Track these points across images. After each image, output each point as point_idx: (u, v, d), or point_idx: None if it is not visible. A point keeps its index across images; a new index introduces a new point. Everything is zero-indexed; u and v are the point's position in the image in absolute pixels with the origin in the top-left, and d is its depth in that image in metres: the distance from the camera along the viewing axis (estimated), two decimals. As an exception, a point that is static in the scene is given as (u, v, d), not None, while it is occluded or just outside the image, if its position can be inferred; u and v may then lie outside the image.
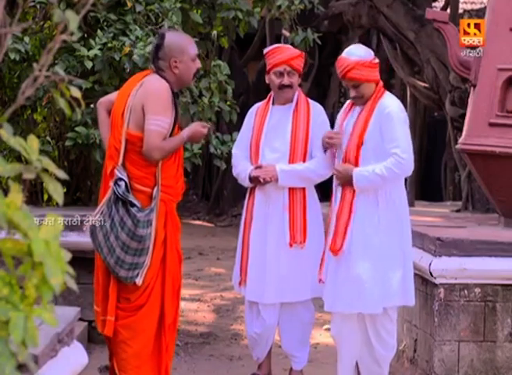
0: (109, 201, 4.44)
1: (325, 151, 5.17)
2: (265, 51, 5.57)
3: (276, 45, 5.70)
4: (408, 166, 4.82)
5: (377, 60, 4.97)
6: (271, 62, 5.45)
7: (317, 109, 5.51)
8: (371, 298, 4.77)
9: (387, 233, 4.81)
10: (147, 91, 4.47)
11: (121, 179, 4.42)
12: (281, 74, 5.41)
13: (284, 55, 5.42)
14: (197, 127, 4.68)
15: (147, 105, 4.43)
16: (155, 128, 4.42)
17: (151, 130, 4.42)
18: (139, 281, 4.43)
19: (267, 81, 5.53)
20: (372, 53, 5.02)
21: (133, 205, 4.40)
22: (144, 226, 4.40)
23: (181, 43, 4.60)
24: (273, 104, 5.51)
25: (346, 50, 4.98)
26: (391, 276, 4.79)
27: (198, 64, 4.64)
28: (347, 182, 4.87)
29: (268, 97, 5.56)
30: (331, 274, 4.92)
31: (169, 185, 4.53)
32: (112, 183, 4.44)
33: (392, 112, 4.84)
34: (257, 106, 5.61)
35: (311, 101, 5.54)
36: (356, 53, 4.90)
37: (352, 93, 4.95)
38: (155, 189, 4.47)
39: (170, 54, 4.53)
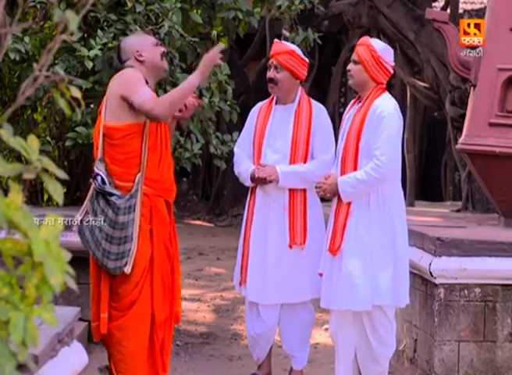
0: (92, 197, 4.50)
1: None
2: None
3: (277, 40, 5.71)
4: (386, 169, 4.75)
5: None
6: None
7: (319, 110, 5.47)
8: (361, 295, 4.77)
9: (378, 233, 4.80)
10: (116, 82, 4.51)
11: (97, 174, 4.45)
12: (270, 67, 5.43)
13: (273, 49, 5.47)
14: (208, 57, 4.52)
15: (124, 92, 4.42)
16: (144, 98, 4.37)
17: (141, 103, 4.36)
18: (127, 269, 4.43)
19: None
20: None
21: (111, 194, 4.42)
22: (124, 213, 4.41)
23: (136, 37, 4.80)
24: (276, 103, 5.49)
25: None
26: (381, 275, 4.78)
27: (162, 48, 4.63)
28: (334, 193, 4.88)
29: (272, 96, 5.53)
30: (326, 272, 4.93)
31: (152, 178, 4.51)
32: (91, 180, 4.51)
33: (383, 113, 4.79)
34: (260, 105, 5.57)
35: (313, 101, 5.50)
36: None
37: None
38: (138, 175, 4.46)
39: (130, 49, 4.56)
